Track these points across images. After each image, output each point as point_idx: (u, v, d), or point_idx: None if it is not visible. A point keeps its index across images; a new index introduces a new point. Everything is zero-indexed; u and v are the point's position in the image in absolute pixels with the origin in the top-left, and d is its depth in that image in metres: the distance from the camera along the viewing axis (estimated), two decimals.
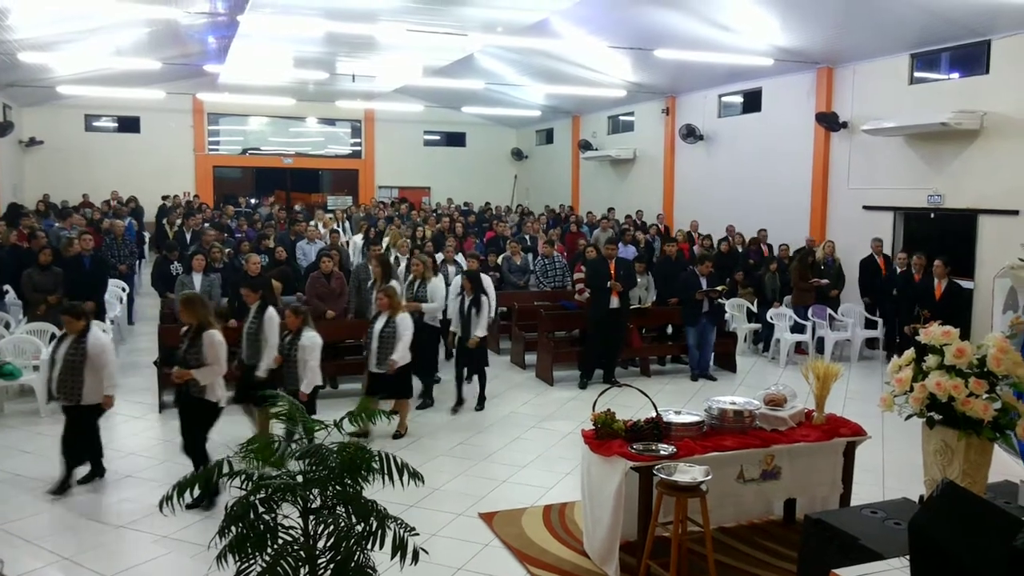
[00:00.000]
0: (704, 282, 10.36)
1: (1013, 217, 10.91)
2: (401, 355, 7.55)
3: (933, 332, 3.49)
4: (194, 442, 6.19)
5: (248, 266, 9.61)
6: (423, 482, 3.75)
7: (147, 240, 18.95)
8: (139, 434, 7.80)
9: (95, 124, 24.14)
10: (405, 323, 7.66)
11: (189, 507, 5.67)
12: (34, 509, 5.98)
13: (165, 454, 7.17)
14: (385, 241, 13.20)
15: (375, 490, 3.61)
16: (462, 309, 8.61)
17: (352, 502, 3.51)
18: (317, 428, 3.79)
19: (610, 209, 19.42)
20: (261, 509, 3.47)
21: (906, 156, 12.58)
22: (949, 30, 11.28)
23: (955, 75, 12.32)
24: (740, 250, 14.04)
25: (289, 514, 3.55)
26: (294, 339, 7.04)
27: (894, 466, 6.98)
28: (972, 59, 11.74)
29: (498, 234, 15.06)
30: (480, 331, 8.60)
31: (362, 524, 3.49)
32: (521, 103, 22.98)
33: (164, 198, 21.19)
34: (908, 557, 2.86)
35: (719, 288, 10.68)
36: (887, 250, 12.71)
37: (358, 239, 14.81)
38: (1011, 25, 10.64)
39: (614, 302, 9.85)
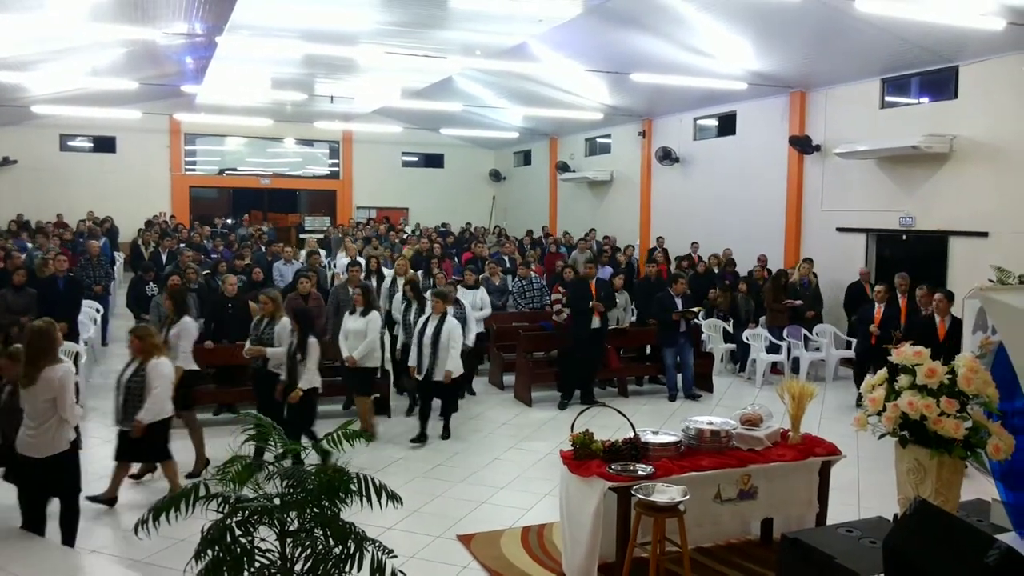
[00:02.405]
0: (679, 302, 10.43)
1: (982, 239, 11.10)
2: (151, 413, 6.11)
3: (905, 352, 3.55)
4: None
5: (225, 287, 9.57)
6: (401, 504, 3.74)
7: (121, 261, 18.77)
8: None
9: (70, 144, 23.97)
10: (158, 371, 6.16)
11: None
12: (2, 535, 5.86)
13: None
14: (389, 272, 12.61)
15: (353, 512, 3.60)
16: (289, 351, 7.33)
17: (330, 524, 3.49)
18: None
19: (591, 230, 19.52)
20: (238, 532, 3.44)
21: (878, 179, 12.78)
22: (918, 56, 11.52)
23: (925, 100, 12.55)
24: (716, 271, 14.16)
25: (266, 537, 3.52)
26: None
27: (869, 485, 7.03)
28: (941, 84, 11.98)
29: (476, 255, 15.07)
30: (306, 381, 7.19)
31: (340, 547, 3.48)
32: (499, 125, 23.11)
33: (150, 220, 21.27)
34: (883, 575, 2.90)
35: (695, 309, 10.75)
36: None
37: (344, 261, 14.37)
38: (978, 52, 10.89)
39: (595, 322, 9.91)
